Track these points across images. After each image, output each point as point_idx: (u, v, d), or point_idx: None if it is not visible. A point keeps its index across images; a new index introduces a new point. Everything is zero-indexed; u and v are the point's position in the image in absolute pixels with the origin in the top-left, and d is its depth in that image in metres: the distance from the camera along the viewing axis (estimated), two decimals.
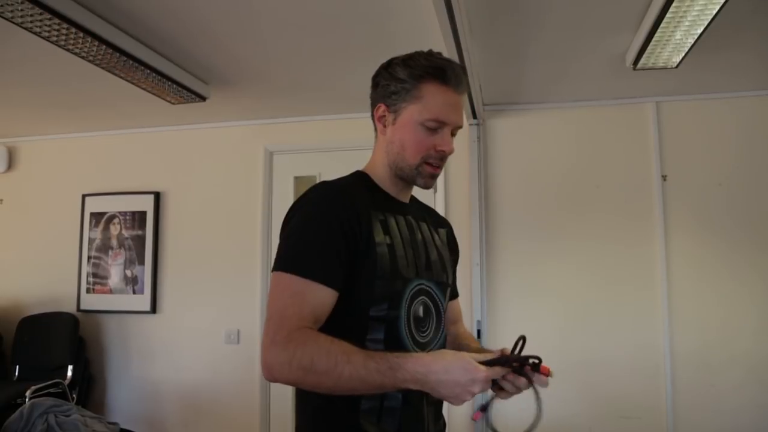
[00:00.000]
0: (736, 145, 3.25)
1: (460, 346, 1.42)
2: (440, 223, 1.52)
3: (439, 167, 1.31)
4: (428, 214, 1.49)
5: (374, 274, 1.19)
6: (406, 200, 1.39)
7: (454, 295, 1.53)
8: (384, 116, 1.31)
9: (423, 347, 1.26)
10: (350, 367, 1.02)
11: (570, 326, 3.30)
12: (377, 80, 1.33)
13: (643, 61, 2.59)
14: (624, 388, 3.20)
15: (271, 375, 1.08)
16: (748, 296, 3.15)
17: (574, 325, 3.29)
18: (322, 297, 1.12)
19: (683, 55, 2.54)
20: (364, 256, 1.19)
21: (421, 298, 1.27)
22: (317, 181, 3.89)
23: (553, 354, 3.52)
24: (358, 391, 1.07)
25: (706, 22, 2.22)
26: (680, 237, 3.24)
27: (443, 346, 1.33)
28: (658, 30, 2.26)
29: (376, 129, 1.36)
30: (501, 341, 3.32)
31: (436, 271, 1.33)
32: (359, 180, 1.34)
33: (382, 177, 1.34)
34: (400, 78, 1.26)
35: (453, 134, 1.30)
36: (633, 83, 3.10)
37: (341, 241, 1.16)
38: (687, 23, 2.24)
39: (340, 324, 1.15)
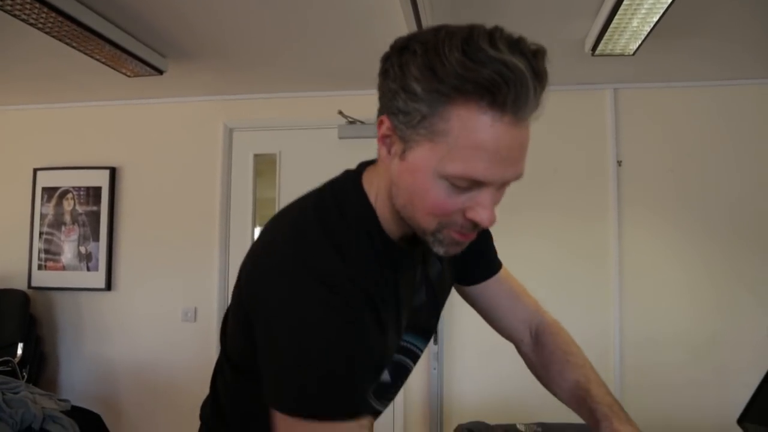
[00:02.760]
0: (688, 134, 3.34)
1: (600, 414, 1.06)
2: (432, 259, 1.10)
3: (470, 234, 0.84)
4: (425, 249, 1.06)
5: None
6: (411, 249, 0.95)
7: (495, 269, 1.20)
8: (389, 137, 0.82)
9: (385, 404, 1.03)
10: None
11: None
12: (385, 68, 0.81)
13: (601, 47, 2.63)
14: None
15: None
16: (692, 279, 3.27)
17: None
18: (365, 426, 0.77)
19: (640, 42, 2.59)
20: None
21: (395, 358, 0.99)
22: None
23: None
24: None
25: (662, 11, 2.27)
26: (632, 221, 3.33)
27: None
28: (616, 16, 2.30)
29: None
30: (457, 324, 3.38)
31: (420, 320, 1.02)
32: (375, 229, 0.90)
33: (386, 216, 0.90)
34: (414, 92, 0.74)
35: (505, 185, 0.81)
36: (592, 70, 3.15)
37: (372, 364, 0.87)
38: (644, 11, 2.28)
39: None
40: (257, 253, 0.89)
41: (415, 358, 1.03)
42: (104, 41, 2.55)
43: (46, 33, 2.44)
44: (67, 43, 2.57)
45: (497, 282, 1.19)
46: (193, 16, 2.55)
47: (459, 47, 0.69)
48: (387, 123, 0.81)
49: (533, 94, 0.72)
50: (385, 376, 0.96)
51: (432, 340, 3.18)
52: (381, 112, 0.83)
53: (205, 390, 1.16)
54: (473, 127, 0.71)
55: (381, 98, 0.83)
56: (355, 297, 0.81)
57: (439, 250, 0.85)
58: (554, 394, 1.16)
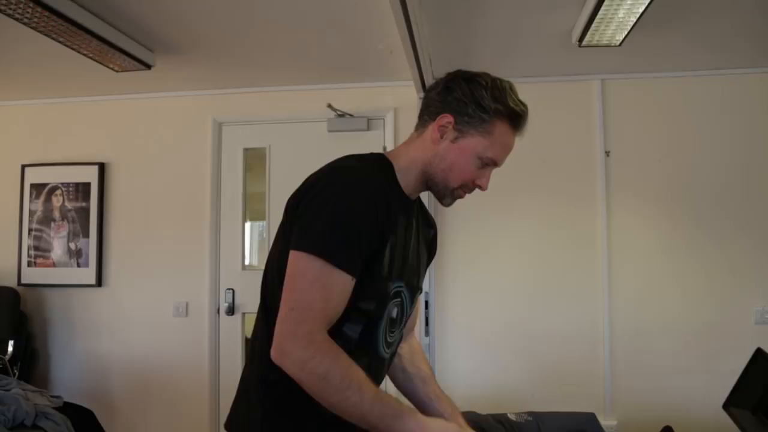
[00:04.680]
0: (675, 124, 3.37)
1: (432, 402, 1.45)
2: (429, 223, 1.47)
3: (465, 196, 1.33)
4: (422, 213, 1.44)
5: (376, 272, 1.17)
6: (413, 198, 1.36)
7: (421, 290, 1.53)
8: (446, 128, 1.25)
9: (389, 347, 1.30)
10: (358, 397, 1.05)
11: (514, 297, 3.40)
12: (452, 88, 1.26)
13: (587, 38, 2.65)
14: (565, 356, 3.33)
15: (281, 361, 1.07)
16: (681, 267, 3.31)
17: (518, 295, 3.39)
18: (347, 288, 1.12)
19: (626, 33, 2.61)
20: (376, 255, 1.17)
21: (396, 300, 1.27)
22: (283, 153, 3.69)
23: (499, 324, 3.65)
24: (352, 419, 1.08)
25: (647, 1, 2.29)
26: (621, 211, 3.36)
27: (399, 345, 1.38)
28: (602, 7, 2.32)
29: (421, 127, 1.30)
30: (448, 312, 3.40)
31: (409, 275, 1.31)
32: (390, 172, 1.29)
33: (407, 175, 1.29)
34: (482, 106, 1.22)
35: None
36: (579, 60, 3.17)
37: (373, 235, 1.14)
38: (630, 1, 2.30)
39: None
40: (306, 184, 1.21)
41: (404, 305, 1.31)
42: (91, 36, 2.54)
43: (32, 28, 2.42)
44: (53, 38, 2.55)
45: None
46: (181, 10, 2.54)
47: (508, 89, 1.25)
48: (450, 119, 1.24)
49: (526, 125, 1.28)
50: (394, 312, 1.27)
51: (423, 332, 3.19)
52: (443, 110, 1.25)
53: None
54: (504, 133, 1.25)
55: (443, 102, 1.26)
56: (380, 190, 1.18)
57: (447, 201, 1.32)
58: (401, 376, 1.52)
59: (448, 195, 1.29)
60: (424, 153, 1.28)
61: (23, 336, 3.65)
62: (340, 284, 1.10)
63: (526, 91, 1.30)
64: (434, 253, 1.51)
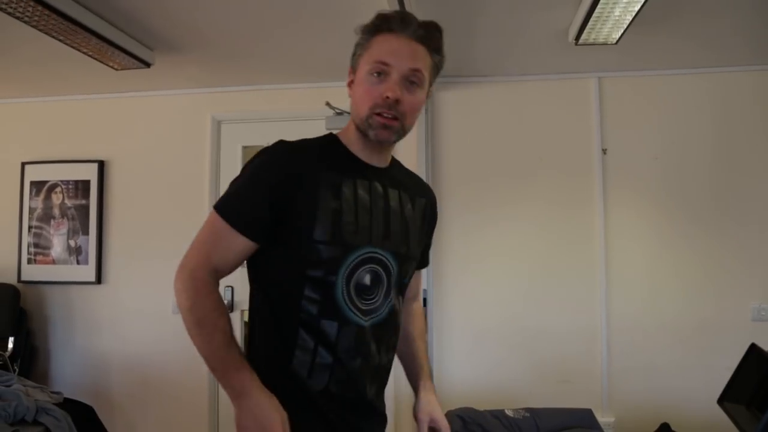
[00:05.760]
0: (672, 121, 3.39)
1: (409, 362, 1.52)
2: (422, 191, 1.46)
3: (393, 118, 1.23)
4: (411, 181, 1.44)
5: (311, 238, 1.21)
6: (381, 164, 1.35)
7: (423, 264, 1.53)
8: (351, 80, 1.31)
9: (366, 314, 1.27)
10: (208, 337, 1.17)
11: (513, 294, 3.41)
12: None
13: (584, 36, 2.67)
14: (563, 353, 3.35)
15: (175, 291, 1.23)
16: (678, 264, 3.33)
17: (517, 292, 3.41)
18: (236, 244, 1.23)
19: (622, 31, 2.63)
20: (302, 219, 1.21)
21: (369, 266, 1.26)
22: None
23: (497, 321, 3.66)
24: (203, 358, 1.17)
25: (643, 0, 2.30)
26: (618, 208, 3.38)
27: (392, 314, 1.34)
28: (598, 6, 2.34)
29: None
30: (446, 309, 3.42)
31: (394, 241, 1.31)
32: (325, 142, 1.33)
33: (352, 139, 1.31)
34: (359, 37, 1.29)
35: (412, 82, 1.25)
36: (576, 59, 3.18)
37: (267, 198, 1.22)
38: (625, 0, 2.31)
39: (280, 277, 1.26)
40: None
41: (387, 271, 1.30)
42: (91, 34, 2.56)
43: (33, 26, 2.44)
44: (54, 37, 2.57)
45: (418, 272, 1.56)
46: (180, 8, 2.56)
47: (378, 14, 1.27)
48: (349, 70, 1.30)
49: (410, 20, 1.26)
50: (365, 279, 1.26)
51: None
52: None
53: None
54: (382, 40, 1.25)
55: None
56: (282, 158, 1.26)
57: (372, 134, 1.25)
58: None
59: (368, 127, 1.24)
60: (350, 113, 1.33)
61: (23, 333, 3.67)
62: (230, 240, 1.22)
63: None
64: (433, 222, 1.52)
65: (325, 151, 1.30)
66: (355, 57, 1.29)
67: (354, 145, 1.31)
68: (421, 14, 2.48)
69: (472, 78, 3.47)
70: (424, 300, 3.31)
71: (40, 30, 2.49)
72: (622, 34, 2.66)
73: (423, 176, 3.31)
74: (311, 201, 1.22)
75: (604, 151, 3.39)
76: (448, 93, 3.52)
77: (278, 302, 1.27)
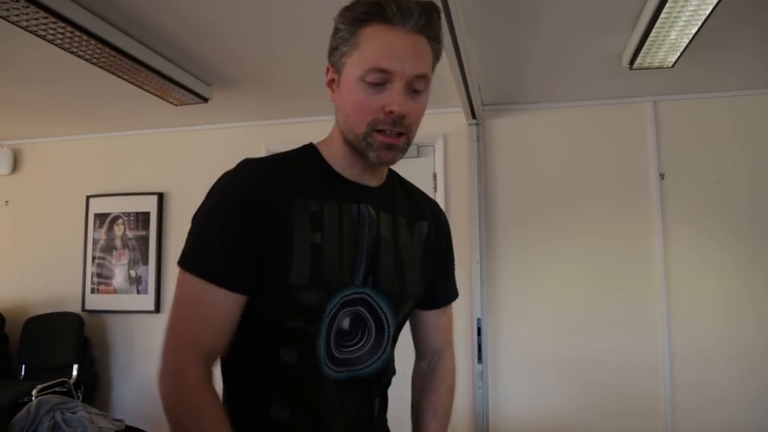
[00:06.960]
0: (733, 144, 3.28)
1: None
2: (422, 213, 1.20)
3: (399, 135, 1.00)
4: (409, 202, 1.18)
5: (286, 281, 0.97)
6: (373, 183, 1.10)
7: (450, 298, 1.28)
8: (333, 79, 1.05)
9: (344, 365, 1.05)
10: None
11: (570, 323, 3.32)
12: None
13: (639, 60, 2.63)
14: (623, 385, 3.23)
15: (161, 397, 1.01)
16: (746, 293, 3.18)
17: (573, 322, 3.32)
18: (225, 306, 0.96)
19: (678, 54, 2.57)
20: (277, 256, 0.98)
21: (351, 309, 1.04)
22: None
23: (553, 351, 3.57)
24: None
25: (700, 22, 2.25)
26: (678, 235, 3.26)
27: (386, 365, 1.12)
28: (653, 30, 2.30)
29: None
30: (501, 338, 3.36)
31: (384, 279, 1.07)
32: (301, 156, 1.09)
33: (335, 153, 1.07)
34: (338, 27, 1.01)
35: (417, 89, 0.99)
36: (630, 83, 3.13)
37: (245, 234, 0.97)
38: (681, 23, 2.27)
39: (253, 334, 1.02)
40: None
41: (376, 314, 1.07)
42: (153, 73, 2.67)
43: (100, 67, 2.57)
44: (118, 76, 2.70)
45: (443, 310, 1.27)
46: (236, 45, 2.64)
47: None
48: (329, 67, 1.04)
49: (413, 8, 0.96)
50: (344, 323, 1.03)
51: (476, 358, 3.10)
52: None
53: None
54: (374, 35, 0.97)
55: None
56: (248, 187, 1.00)
57: (373, 156, 1.00)
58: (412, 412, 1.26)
59: (367, 147, 1.00)
60: (335, 120, 1.08)
61: (87, 360, 3.79)
62: (215, 300, 0.95)
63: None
64: (441, 248, 1.24)
65: (300, 168, 1.06)
66: (339, 53, 1.01)
67: (339, 161, 1.07)
68: (473, 43, 2.50)
69: (523, 105, 3.45)
70: (478, 329, 3.27)
71: (106, 70, 2.62)
72: (679, 57, 2.61)
73: (475, 205, 3.30)
74: (283, 234, 0.98)
75: (662, 176, 3.30)
76: (499, 120, 3.50)
77: (250, 360, 1.05)
